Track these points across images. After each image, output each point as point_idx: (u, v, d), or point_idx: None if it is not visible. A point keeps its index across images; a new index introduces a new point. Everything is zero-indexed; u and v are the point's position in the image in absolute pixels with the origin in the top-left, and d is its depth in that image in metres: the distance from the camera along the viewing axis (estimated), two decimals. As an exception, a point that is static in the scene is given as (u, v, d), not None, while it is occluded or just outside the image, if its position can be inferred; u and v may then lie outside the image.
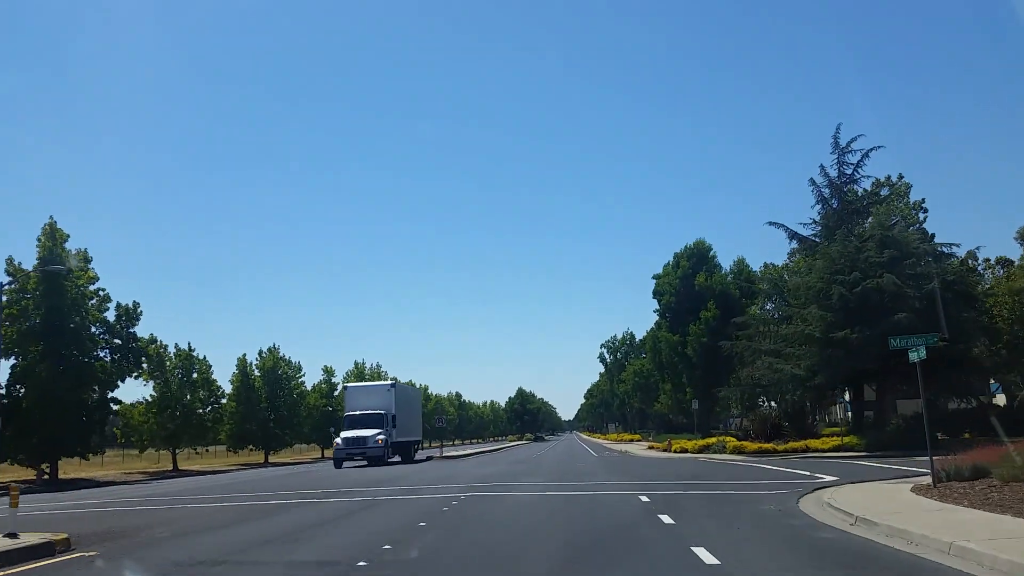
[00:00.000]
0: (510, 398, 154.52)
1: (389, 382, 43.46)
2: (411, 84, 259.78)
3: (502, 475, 25.58)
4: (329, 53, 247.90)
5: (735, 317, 44.50)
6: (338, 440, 37.69)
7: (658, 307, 54.04)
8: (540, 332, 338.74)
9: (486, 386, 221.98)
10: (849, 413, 52.96)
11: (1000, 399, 42.14)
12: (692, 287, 49.46)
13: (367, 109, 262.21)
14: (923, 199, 43.81)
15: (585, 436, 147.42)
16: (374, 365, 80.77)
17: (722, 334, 44.53)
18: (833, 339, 32.58)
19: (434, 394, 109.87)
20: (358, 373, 73.97)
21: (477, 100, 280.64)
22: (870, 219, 37.82)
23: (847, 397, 55.90)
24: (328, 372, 68.88)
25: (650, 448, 51.92)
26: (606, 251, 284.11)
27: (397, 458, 41.40)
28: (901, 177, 43.71)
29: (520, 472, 27.69)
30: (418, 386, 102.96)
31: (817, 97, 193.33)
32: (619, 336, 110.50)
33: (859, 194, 41.21)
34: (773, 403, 46.82)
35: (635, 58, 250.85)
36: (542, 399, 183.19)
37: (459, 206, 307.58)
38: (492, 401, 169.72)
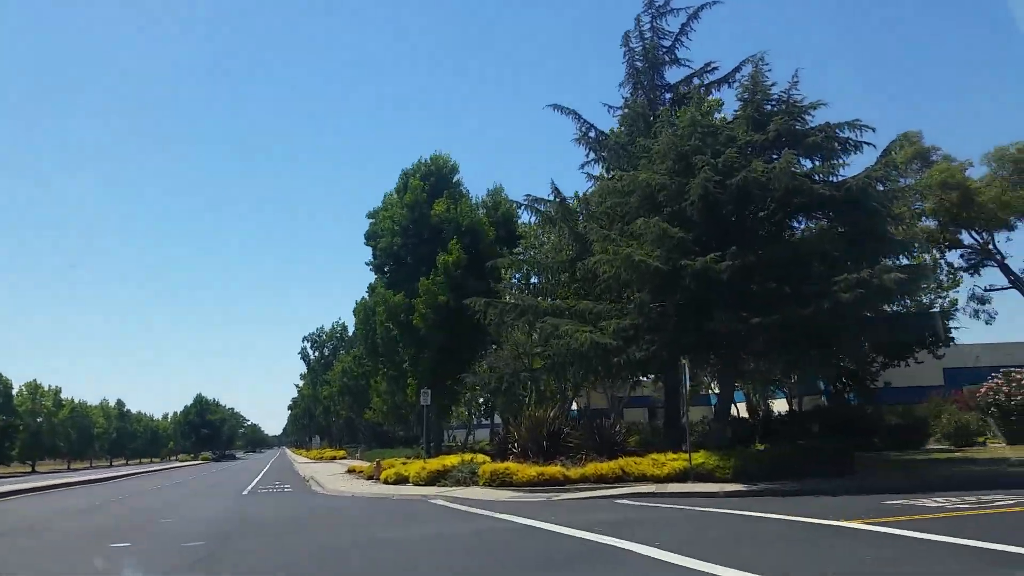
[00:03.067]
0: (186, 407, 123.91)
1: None
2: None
3: None
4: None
5: (490, 262, 28.30)
6: None
7: (374, 257, 35.70)
8: (243, 339, 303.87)
9: (181, 398, 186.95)
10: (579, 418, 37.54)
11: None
12: (426, 220, 32.03)
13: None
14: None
15: (291, 453, 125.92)
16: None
17: (470, 289, 27.98)
18: (684, 271, 17.43)
19: (69, 399, 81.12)
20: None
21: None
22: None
23: (575, 405, 39.44)
24: None
25: (350, 471, 34.44)
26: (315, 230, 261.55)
27: None
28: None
29: None
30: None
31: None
32: (327, 327, 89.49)
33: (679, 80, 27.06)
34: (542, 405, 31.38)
35: None
36: (231, 409, 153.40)
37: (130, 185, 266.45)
38: (175, 413, 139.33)
